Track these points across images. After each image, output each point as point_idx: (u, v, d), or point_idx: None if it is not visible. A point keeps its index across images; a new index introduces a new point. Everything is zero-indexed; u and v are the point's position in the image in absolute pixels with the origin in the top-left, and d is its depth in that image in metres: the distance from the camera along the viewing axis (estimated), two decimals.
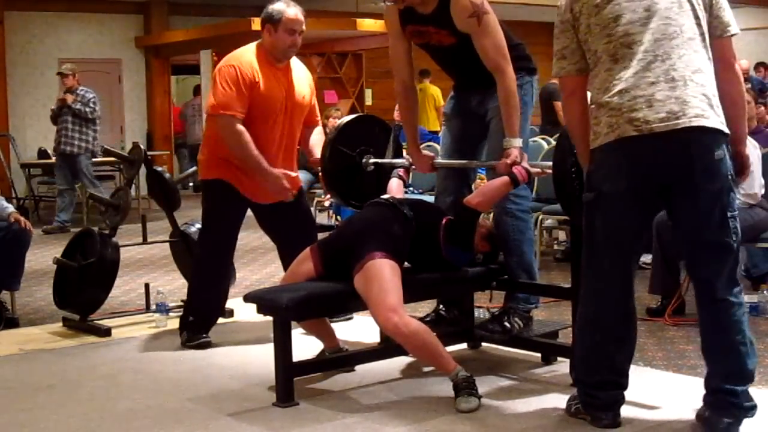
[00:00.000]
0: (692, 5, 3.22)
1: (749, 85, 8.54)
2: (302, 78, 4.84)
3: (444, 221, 4.06)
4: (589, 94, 3.36)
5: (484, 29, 3.93)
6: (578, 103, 3.38)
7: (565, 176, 3.70)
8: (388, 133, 4.65)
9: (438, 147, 7.67)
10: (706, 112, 3.12)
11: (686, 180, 3.17)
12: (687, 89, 3.12)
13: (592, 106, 3.30)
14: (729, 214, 3.21)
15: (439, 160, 4.41)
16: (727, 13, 3.30)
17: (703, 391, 3.36)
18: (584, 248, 3.39)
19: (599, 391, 3.40)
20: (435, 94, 13.30)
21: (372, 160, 4.54)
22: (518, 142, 3.99)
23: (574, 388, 3.59)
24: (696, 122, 3.10)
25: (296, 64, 4.85)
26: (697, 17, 3.21)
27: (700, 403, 3.65)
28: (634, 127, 3.12)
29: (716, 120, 3.15)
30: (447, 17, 3.95)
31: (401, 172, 4.48)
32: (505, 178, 3.98)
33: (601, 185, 3.25)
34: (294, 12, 4.65)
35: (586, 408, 3.44)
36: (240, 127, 4.56)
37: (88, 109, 10.12)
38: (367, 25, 13.02)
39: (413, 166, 4.47)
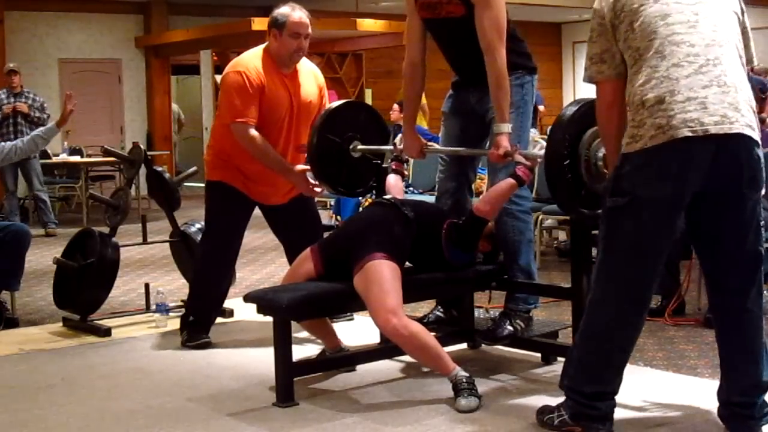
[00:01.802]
0: (738, 20, 3.21)
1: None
2: (310, 81, 4.82)
3: (446, 224, 4.05)
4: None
5: (489, 1, 3.92)
6: (620, 114, 3.22)
7: (560, 170, 3.66)
8: (376, 119, 4.62)
9: (437, 147, 7.68)
10: (753, 123, 3.11)
11: (733, 188, 3.12)
12: (738, 96, 3.07)
13: (632, 106, 3.15)
14: (762, 223, 3.21)
15: (430, 147, 4.38)
16: (753, 46, 3.28)
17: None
18: (603, 253, 3.25)
19: (598, 402, 3.28)
20: None
21: (359, 147, 4.49)
22: (507, 127, 3.93)
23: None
24: (748, 131, 3.07)
25: (305, 66, 4.83)
26: (738, 32, 3.20)
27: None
28: (689, 128, 3.00)
29: (758, 132, 3.14)
30: None
31: (395, 165, 4.42)
32: (510, 180, 3.97)
33: (636, 190, 3.11)
34: (299, 15, 4.62)
35: (578, 419, 3.31)
36: (254, 132, 4.58)
37: (45, 115, 9.87)
38: (367, 25, 13.03)
39: (404, 155, 4.39)
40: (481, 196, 4.21)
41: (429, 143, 4.43)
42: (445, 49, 4.26)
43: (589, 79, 3.27)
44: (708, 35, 3.10)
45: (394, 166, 4.43)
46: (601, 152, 3.63)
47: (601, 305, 3.28)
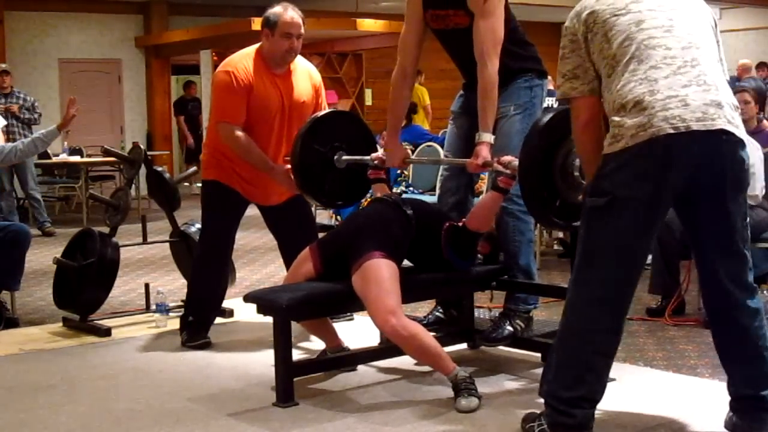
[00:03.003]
0: (712, 28, 3.22)
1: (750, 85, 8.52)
2: (304, 80, 4.80)
3: (446, 226, 4.04)
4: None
5: (487, 9, 3.94)
6: (596, 133, 3.20)
7: (533, 178, 3.61)
8: (362, 129, 4.59)
9: (438, 147, 7.69)
10: (736, 120, 3.09)
11: (717, 187, 3.10)
12: (719, 94, 3.06)
13: (612, 111, 3.12)
14: (746, 222, 3.21)
15: (413, 157, 4.37)
16: (724, 59, 3.27)
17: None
18: (581, 254, 3.20)
19: (576, 409, 3.18)
20: (421, 94, 13.24)
21: (344, 157, 4.44)
22: (489, 137, 3.95)
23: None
24: (730, 127, 3.04)
25: (300, 66, 4.81)
26: (713, 38, 3.20)
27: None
28: (671, 125, 2.98)
29: (743, 132, 3.12)
30: None
31: (373, 174, 4.37)
32: (494, 193, 3.98)
33: (615, 190, 3.06)
34: (290, 15, 4.61)
35: (555, 428, 3.23)
36: (238, 132, 4.58)
37: (36, 115, 9.93)
38: (367, 25, 13.03)
39: (386, 164, 4.35)
40: (471, 211, 4.17)
41: (417, 146, 4.44)
42: (454, 58, 4.31)
43: (562, 95, 3.25)
44: (684, 38, 3.10)
45: (372, 175, 4.38)
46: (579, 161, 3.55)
47: (580, 307, 3.21)
